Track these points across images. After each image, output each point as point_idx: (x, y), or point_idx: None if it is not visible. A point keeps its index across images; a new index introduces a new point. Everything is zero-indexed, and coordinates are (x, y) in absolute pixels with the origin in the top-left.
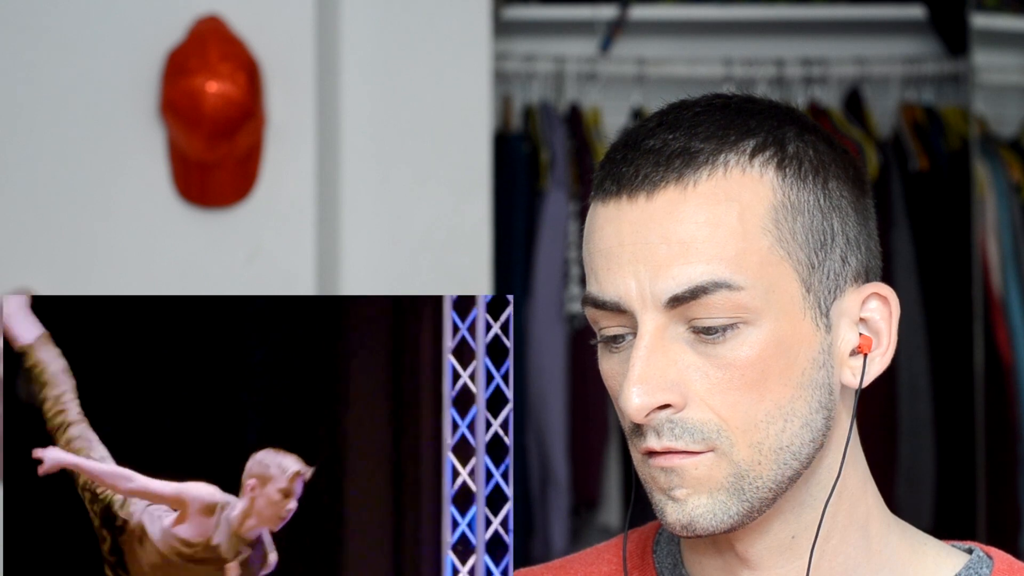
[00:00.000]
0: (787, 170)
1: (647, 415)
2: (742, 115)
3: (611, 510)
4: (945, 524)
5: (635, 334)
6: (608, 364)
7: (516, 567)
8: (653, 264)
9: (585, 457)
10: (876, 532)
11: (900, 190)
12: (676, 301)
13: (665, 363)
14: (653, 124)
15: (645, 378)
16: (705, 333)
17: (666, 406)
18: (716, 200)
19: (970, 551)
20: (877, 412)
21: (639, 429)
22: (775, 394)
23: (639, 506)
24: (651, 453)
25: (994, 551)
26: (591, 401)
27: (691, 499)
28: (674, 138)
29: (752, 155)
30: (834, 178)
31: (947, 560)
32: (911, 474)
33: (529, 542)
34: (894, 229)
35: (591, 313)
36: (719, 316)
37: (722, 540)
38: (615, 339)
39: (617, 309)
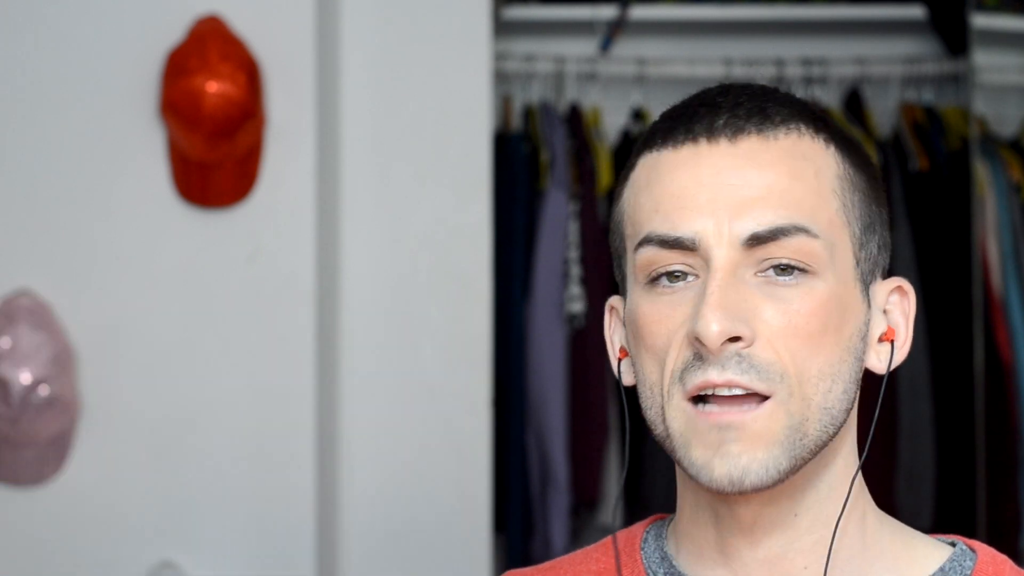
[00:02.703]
0: (844, 152)
1: (721, 344)
2: (791, 100)
3: (611, 510)
4: (945, 524)
5: (697, 276)
6: (653, 307)
7: (515, 567)
8: (734, 204)
9: (585, 457)
10: (871, 525)
11: (900, 190)
12: (756, 240)
13: (738, 298)
14: (714, 92)
15: (723, 305)
16: (779, 273)
17: (738, 339)
18: (795, 156)
19: (953, 544)
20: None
21: (695, 365)
22: (827, 352)
23: (630, 506)
24: (702, 400)
25: (977, 544)
26: (591, 401)
27: (746, 454)
28: (747, 99)
29: (816, 130)
30: (873, 177)
31: (934, 553)
32: (911, 474)
33: (529, 542)
34: (894, 229)
35: (650, 254)
36: (794, 259)
37: (723, 509)
38: (671, 276)
39: (690, 247)
